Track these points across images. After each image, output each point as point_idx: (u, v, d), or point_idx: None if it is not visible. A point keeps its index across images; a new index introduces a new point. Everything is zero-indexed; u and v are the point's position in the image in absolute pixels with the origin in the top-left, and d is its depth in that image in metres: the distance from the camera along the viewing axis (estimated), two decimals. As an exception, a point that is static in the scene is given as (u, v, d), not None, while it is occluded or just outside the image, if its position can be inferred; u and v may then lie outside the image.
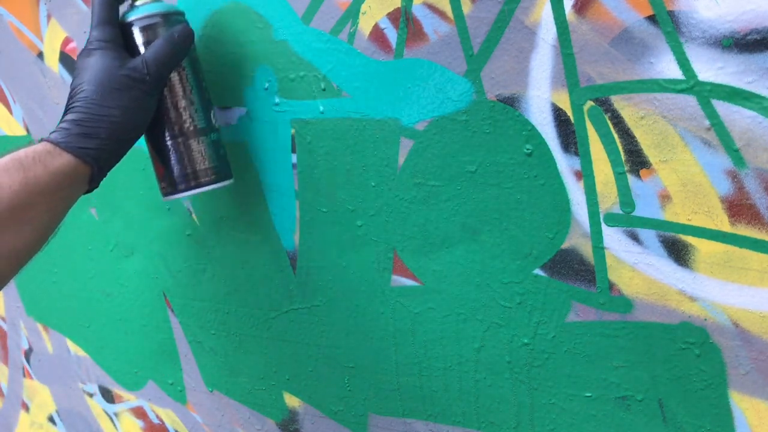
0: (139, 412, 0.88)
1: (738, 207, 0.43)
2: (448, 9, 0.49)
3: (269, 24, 0.58)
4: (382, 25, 0.53)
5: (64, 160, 0.50)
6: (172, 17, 0.55)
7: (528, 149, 0.49)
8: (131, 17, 0.55)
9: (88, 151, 0.50)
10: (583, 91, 0.46)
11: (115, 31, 0.54)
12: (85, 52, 0.53)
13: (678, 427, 0.48)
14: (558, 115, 0.47)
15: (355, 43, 0.54)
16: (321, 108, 0.57)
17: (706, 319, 0.45)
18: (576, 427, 0.53)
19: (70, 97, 0.52)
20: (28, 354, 1.01)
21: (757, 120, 0.41)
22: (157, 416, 0.85)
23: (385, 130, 0.55)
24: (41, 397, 1.03)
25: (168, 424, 0.84)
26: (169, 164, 0.56)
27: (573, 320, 0.51)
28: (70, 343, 0.93)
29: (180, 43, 0.54)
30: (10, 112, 0.84)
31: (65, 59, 0.75)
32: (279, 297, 0.66)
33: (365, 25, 0.53)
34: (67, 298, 0.88)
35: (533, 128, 0.48)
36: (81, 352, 0.91)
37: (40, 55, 0.77)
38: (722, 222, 0.43)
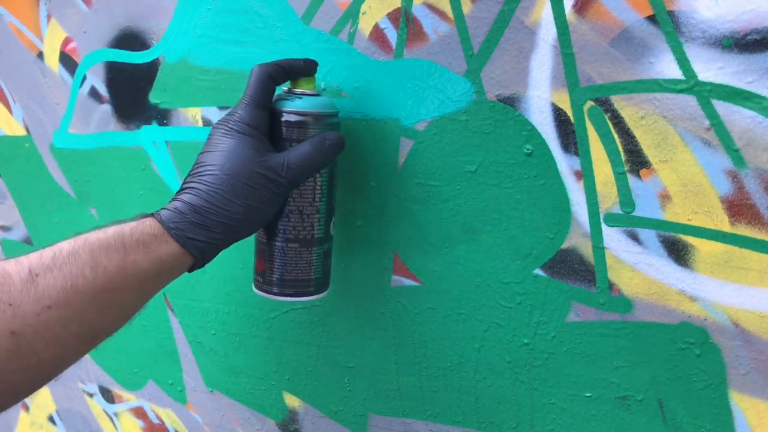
0: (139, 412, 0.88)
1: (738, 207, 0.43)
2: (448, 9, 0.49)
3: (269, 24, 0.58)
4: (382, 25, 0.53)
5: (169, 248, 0.46)
6: (328, 119, 0.51)
7: (528, 149, 0.49)
8: (284, 107, 0.50)
9: (197, 243, 0.47)
10: (583, 91, 0.46)
11: (263, 115, 0.49)
12: (226, 129, 0.49)
13: (678, 427, 0.48)
14: (558, 115, 0.47)
15: (355, 43, 0.54)
16: (321, 108, 0.57)
17: (706, 319, 0.45)
18: (576, 427, 0.53)
19: (195, 170, 0.48)
20: (28, 354, 1.01)
21: (757, 120, 0.41)
22: (157, 416, 0.85)
23: (385, 130, 0.55)
24: (41, 397, 1.03)
25: (168, 424, 0.84)
26: (273, 265, 0.53)
27: (573, 320, 0.51)
28: (70, 343, 0.92)
29: (328, 152, 0.50)
30: (10, 112, 0.84)
31: (65, 59, 0.75)
32: (279, 297, 0.66)
33: (365, 25, 0.53)
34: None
35: (533, 128, 0.48)
36: (81, 352, 0.91)
37: (40, 55, 0.77)
38: (722, 222, 0.43)
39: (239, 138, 0.48)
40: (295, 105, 0.50)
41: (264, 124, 0.49)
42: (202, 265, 0.49)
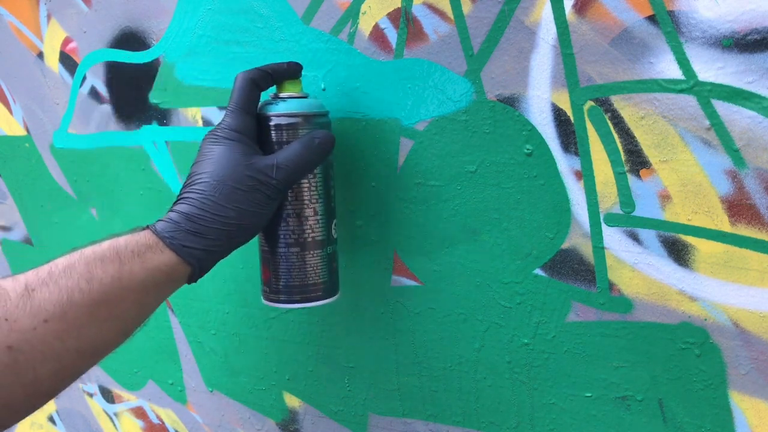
0: (139, 412, 0.88)
1: (738, 207, 0.43)
2: (448, 9, 0.49)
3: (269, 24, 0.58)
4: (382, 25, 0.53)
5: (164, 257, 0.46)
6: (316, 119, 0.51)
7: (528, 149, 0.49)
8: (271, 111, 0.50)
9: (193, 251, 0.46)
10: (583, 91, 0.46)
11: (250, 121, 0.49)
12: (213, 137, 0.49)
13: (678, 427, 0.48)
14: (558, 115, 0.47)
15: (355, 43, 0.54)
16: (321, 108, 0.57)
17: (706, 319, 0.45)
18: (576, 427, 0.53)
19: (188, 181, 0.48)
20: (28, 354, 1.01)
21: (757, 120, 0.41)
22: (157, 416, 0.85)
23: (385, 130, 0.55)
24: (41, 397, 1.03)
25: (168, 424, 0.84)
26: (277, 272, 0.52)
27: (573, 320, 0.51)
28: (70, 343, 0.92)
29: (318, 151, 0.50)
30: (10, 112, 0.85)
31: (65, 59, 0.75)
32: (279, 297, 0.66)
33: (365, 25, 0.53)
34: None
35: (533, 128, 0.48)
36: (81, 352, 0.91)
37: (40, 55, 0.77)
38: (722, 222, 0.43)
39: (227, 144, 0.48)
40: (282, 108, 0.50)
41: (251, 129, 0.49)
42: (201, 275, 0.48)
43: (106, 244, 0.45)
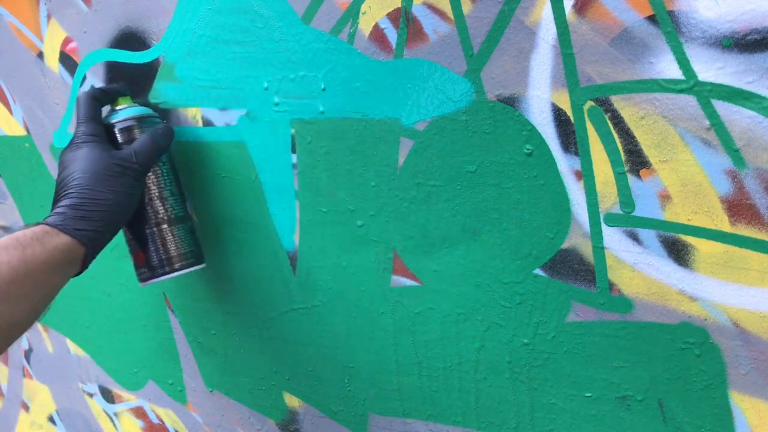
0: (139, 412, 0.88)
1: (738, 207, 0.43)
2: (448, 9, 0.49)
3: (269, 24, 0.58)
4: (382, 25, 0.53)
5: (61, 240, 0.53)
6: (149, 119, 0.62)
7: (528, 149, 0.49)
8: (113, 119, 0.61)
9: (84, 233, 0.54)
10: (583, 91, 0.46)
11: (100, 127, 0.60)
12: (74, 146, 0.58)
13: (678, 427, 0.48)
14: (558, 115, 0.47)
15: (355, 43, 0.54)
16: (321, 108, 0.57)
17: (706, 319, 0.45)
18: (576, 427, 0.53)
19: (61, 186, 0.56)
20: (28, 354, 1.01)
21: (757, 120, 0.41)
22: (157, 416, 0.85)
23: (385, 130, 0.55)
24: (41, 397, 1.03)
25: (168, 424, 0.84)
26: (149, 251, 0.62)
27: (573, 320, 0.51)
28: (70, 343, 0.93)
29: (163, 137, 0.61)
30: (10, 112, 0.84)
31: (65, 59, 0.75)
32: (279, 297, 0.66)
33: (365, 25, 0.53)
34: (67, 298, 0.87)
35: (533, 128, 0.48)
36: (81, 352, 0.91)
37: (40, 55, 0.77)
38: (722, 222, 0.43)
39: (87, 146, 0.57)
40: (120, 115, 0.61)
41: (103, 133, 0.59)
42: (92, 257, 0.56)
43: (5, 238, 0.52)
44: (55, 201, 0.56)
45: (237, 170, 0.64)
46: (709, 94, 0.42)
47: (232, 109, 0.63)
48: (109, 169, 0.56)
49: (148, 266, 0.62)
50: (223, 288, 0.70)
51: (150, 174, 0.61)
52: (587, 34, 0.45)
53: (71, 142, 0.58)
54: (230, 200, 0.66)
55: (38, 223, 0.54)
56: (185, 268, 0.63)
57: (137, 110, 0.62)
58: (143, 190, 0.60)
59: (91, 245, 0.55)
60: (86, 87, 0.74)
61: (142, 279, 0.63)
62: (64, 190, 0.55)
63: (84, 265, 0.56)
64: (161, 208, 0.62)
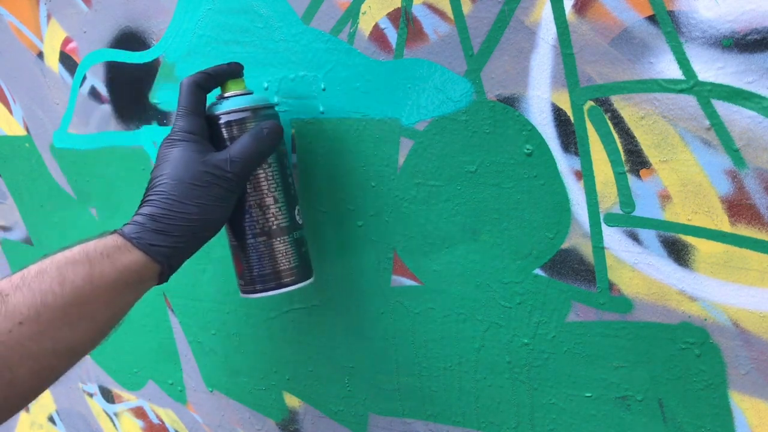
0: (139, 412, 0.88)
1: (738, 207, 0.43)
2: (448, 9, 0.49)
3: (269, 24, 0.58)
4: (382, 25, 0.53)
5: (133, 257, 0.47)
6: (262, 111, 0.53)
7: (528, 149, 0.49)
8: (219, 110, 0.52)
9: (160, 249, 0.48)
10: (583, 91, 0.46)
11: (200, 122, 0.52)
12: (169, 141, 0.51)
13: (678, 427, 0.48)
14: (558, 115, 0.47)
15: (355, 43, 0.54)
16: (321, 108, 0.57)
17: (706, 319, 0.45)
18: (576, 427, 0.53)
19: (149, 187, 0.50)
20: (28, 354, 1.01)
21: (757, 120, 0.41)
22: (157, 416, 0.85)
23: (385, 130, 0.55)
24: (41, 397, 1.03)
25: (168, 424, 0.84)
26: (249, 263, 0.54)
27: (573, 320, 0.51)
28: (70, 343, 0.92)
29: (268, 140, 0.52)
30: (10, 112, 0.85)
31: (65, 59, 0.75)
32: (279, 297, 0.66)
33: (365, 25, 0.53)
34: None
35: (533, 128, 0.48)
36: (81, 352, 0.91)
37: (40, 55, 0.77)
38: (722, 222, 0.43)
39: (181, 145, 0.50)
40: (228, 105, 0.52)
41: (203, 128, 0.52)
42: (171, 272, 0.50)
43: (76, 249, 0.47)
44: (142, 202, 0.50)
45: (237, 170, 0.64)
46: (709, 94, 0.42)
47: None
48: (197, 177, 0.49)
49: (245, 279, 0.55)
50: (223, 288, 0.70)
51: (253, 176, 0.53)
52: (587, 34, 0.45)
53: (168, 136, 0.51)
54: (230, 200, 0.66)
55: (114, 231, 0.49)
56: (286, 287, 0.55)
57: (248, 100, 0.53)
58: (241, 199, 0.53)
59: (167, 263, 0.49)
60: (86, 87, 0.74)
61: (241, 290, 0.56)
62: (149, 194, 0.50)
63: (161, 280, 0.50)
64: (262, 217, 0.53)
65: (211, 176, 0.49)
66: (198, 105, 0.52)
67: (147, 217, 0.48)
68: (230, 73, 0.54)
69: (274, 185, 0.54)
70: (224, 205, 0.50)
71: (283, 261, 0.54)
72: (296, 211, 0.56)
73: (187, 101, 0.51)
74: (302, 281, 0.55)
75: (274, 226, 0.54)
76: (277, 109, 0.59)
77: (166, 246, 0.48)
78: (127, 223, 0.49)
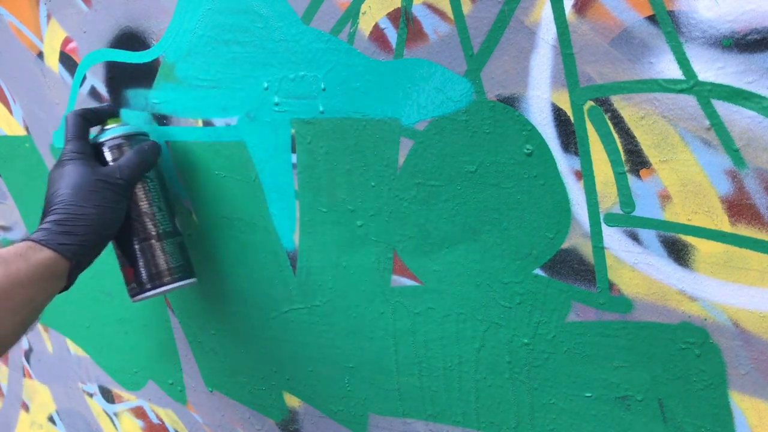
0: (139, 412, 0.88)
1: (738, 207, 0.43)
2: (448, 9, 0.49)
3: (269, 24, 0.58)
4: (382, 25, 0.53)
5: (45, 254, 0.54)
6: (138, 137, 0.63)
7: (528, 149, 0.49)
8: (102, 138, 0.62)
9: (68, 247, 0.55)
10: (583, 91, 0.46)
11: (87, 145, 0.61)
12: (60, 164, 0.59)
13: (678, 427, 0.48)
14: (558, 115, 0.47)
15: (355, 43, 0.54)
16: (321, 108, 0.57)
17: (706, 319, 0.45)
18: (576, 427, 0.53)
19: (47, 204, 0.57)
20: (28, 354, 1.01)
21: (757, 120, 0.41)
22: (157, 416, 0.85)
23: (385, 130, 0.55)
24: (41, 397, 1.03)
25: (168, 424, 0.84)
26: (138, 266, 0.62)
27: (573, 320, 0.51)
28: (70, 343, 0.93)
29: (150, 153, 0.62)
30: (10, 112, 0.85)
31: (65, 59, 0.75)
32: (279, 297, 0.66)
33: (365, 25, 0.53)
34: (67, 298, 0.87)
35: (533, 128, 0.48)
36: (81, 352, 0.91)
37: (40, 55, 0.77)
38: (722, 222, 0.43)
39: (73, 163, 0.58)
40: (111, 133, 0.62)
41: (89, 150, 0.61)
42: (79, 270, 0.57)
43: None
44: (42, 218, 0.57)
45: (237, 170, 0.64)
46: (709, 94, 0.42)
47: (232, 109, 0.63)
48: (92, 184, 0.57)
49: (137, 281, 0.62)
50: (223, 288, 0.70)
51: (137, 190, 0.62)
52: (587, 34, 0.45)
53: (58, 161, 0.60)
54: (230, 200, 0.66)
55: (23, 240, 0.55)
56: (174, 283, 0.63)
57: (126, 129, 0.63)
58: (129, 206, 0.61)
59: (75, 259, 0.55)
60: (86, 87, 0.74)
61: (132, 294, 0.63)
62: (50, 207, 0.56)
63: (70, 280, 0.57)
64: (149, 223, 0.62)
65: (104, 183, 0.58)
66: (83, 132, 0.61)
67: (52, 223, 0.55)
68: (110, 113, 0.65)
69: (156, 196, 0.63)
70: (118, 207, 0.59)
71: (170, 261, 0.63)
72: (176, 220, 0.66)
73: (74, 129, 0.61)
74: (186, 279, 0.64)
75: (160, 231, 0.63)
76: (276, 109, 0.59)
77: (74, 244, 0.55)
78: (35, 232, 0.55)
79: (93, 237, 0.57)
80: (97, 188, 0.57)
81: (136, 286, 0.62)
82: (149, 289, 0.62)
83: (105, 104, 0.67)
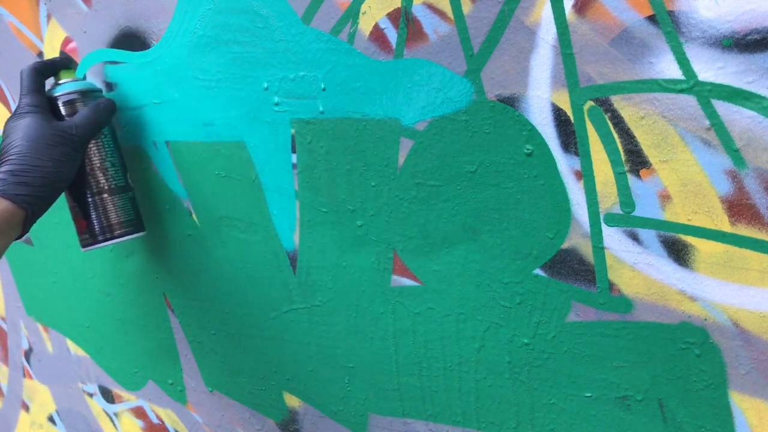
0: (139, 412, 0.88)
1: (738, 207, 0.43)
2: (448, 9, 0.49)
3: (269, 24, 0.58)
4: (382, 25, 0.53)
5: (1, 204, 0.56)
6: (92, 93, 0.65)
7: (528, 149, 0.49)
8: (56, 93, 0.63)
9: (24, 197, 0.57)
10: (583, 91, 0.46)
11: (44, 98, 0.62)
12: (16, 116, 0.60)
13: (678, 427, 0.48)
14: (558, 115, 0.47)
15: (355, 43, 0.54)
16: (321, 108, 0.57)
17: (706, 319, 0.45)
18: (576, 427, 0.53)
19: (4, 153, 0.58)
20: (28, 354, 1.01)
21: (757, 120, 0.41)
22: (157, 416, 0.85)
23: (385, 130, 0.55)
24: (41, 397, 1.03)
25: (168, 424, 0.84)
26: (90, 218, 0.65)
27: (573, 320, 0.51)
28: (70, 343, 0.93)
29: (104, 112, 0.64)
30: (10, 112, 0.84)
31: (65, 59, 0.75)
32: (279, 297, 0.66)
33: (365, 25, 0.53)
34: (67, 298, 0.88)
35: (533, 128, 0.48)
36: (81, 352, 0.91)
37: (40, 55, 0.77)
38: (722, 222, 0.43)
39: (29, 117, 0.60)
40: (64, 88, 0.64)
41: (45, 104, 0.62)
42: (34, 218, 0.59)
43: None
44: None
45: (237, 170, 0.64)
46: (709, 94, 0.42)
47: (232, 109, 0.63)
48: (49, 138, 0.59)
49: (89, 233, 0.65)
50: (223, 288, 0.70)
51: (91, 145, 0.64)
52: (587, 34, 0.45)
53: (14, 113, 0.61)
54: (230, 200, 0.66)
55: None
56: (125, 236, 0.66)
57: (80, 84, 0.65)
58: (84, 160, 0.63)
59: (30, 209, 0.58)
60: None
61: (84, 245, 0.66)
62: (5, 158, 0.58)
63: (25, 229, 0.59)
64: (102, 177, 0.65)
65: (60, 137, 0.60)
66: (39, 86, 0.62)
67: (8, 173, 0.57)
68: (64, 64, 0.65)
69: (110, 152, 0.65)
70: (73, 161, 0.61)
71: (122, 214, 0.66)
72: (128, 176, 0.68)
73: (29, 82, 0.62)
74: (138, 232, 0.68)
75: (113, 185, 0.65)
76: (276, 109, 0.59)
77: (29, 195, 0.57)
78: None
79: (48, 189, 0.59)
80: (54, 142, 0.59)
81: (88, 237, 0.65)
82: (101, 241, 0.65)
83: (59, 56, 0.69)
